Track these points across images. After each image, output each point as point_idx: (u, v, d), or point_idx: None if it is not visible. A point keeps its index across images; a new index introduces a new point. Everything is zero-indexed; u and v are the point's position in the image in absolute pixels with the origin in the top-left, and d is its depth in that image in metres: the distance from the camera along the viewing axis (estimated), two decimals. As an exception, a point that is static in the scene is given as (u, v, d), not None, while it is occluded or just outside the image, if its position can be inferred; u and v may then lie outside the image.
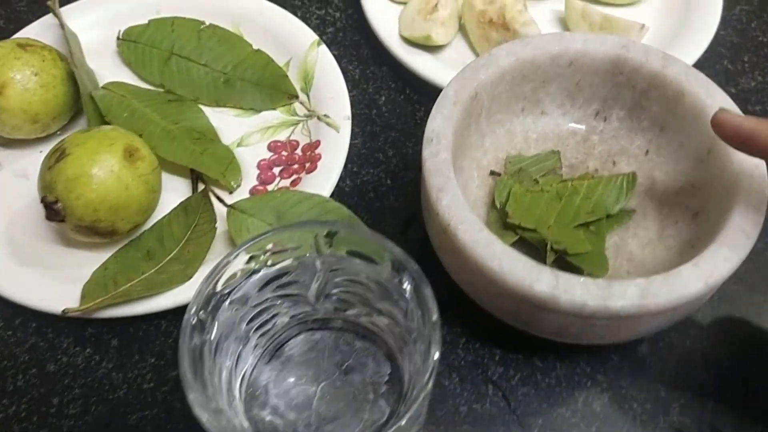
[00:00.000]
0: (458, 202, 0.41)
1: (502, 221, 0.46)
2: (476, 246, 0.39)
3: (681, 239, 0.45)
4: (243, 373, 0.42)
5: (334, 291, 0.42)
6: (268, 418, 0.42)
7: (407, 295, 0.37)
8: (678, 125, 0.47)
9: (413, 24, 0.58)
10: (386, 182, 0.55)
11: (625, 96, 0.49)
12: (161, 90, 0.58)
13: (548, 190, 0.47)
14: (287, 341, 0.45)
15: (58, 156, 0.46)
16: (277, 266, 0.40)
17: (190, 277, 0.48)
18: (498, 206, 0.47)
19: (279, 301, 0.42)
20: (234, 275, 0.38)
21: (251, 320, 0.41)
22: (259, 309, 0.41)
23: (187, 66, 0.58)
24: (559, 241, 0.43)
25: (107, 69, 0.59)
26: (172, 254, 0.49)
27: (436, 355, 0.33)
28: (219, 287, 0.37)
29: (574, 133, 0.51)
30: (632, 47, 0.47)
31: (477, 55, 0.60)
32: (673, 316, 0.40)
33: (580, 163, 0.50)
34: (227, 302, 0.38)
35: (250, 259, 0.38)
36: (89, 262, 0.49)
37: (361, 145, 0.56)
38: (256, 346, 0.43)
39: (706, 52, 0.58)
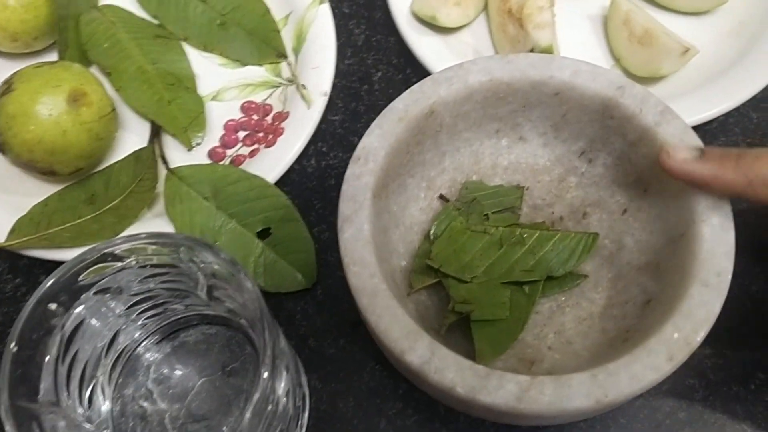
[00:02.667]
0: (361, 237, 0.37)
1: (427, 257, 0.41)
2: (361, 293, 0.36)
3: (621, 326, 0.39)
4: (122, 348, 0.41)
5: (222, 297, 0.40)
6: (139, 402, 0.42)
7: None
8: (661, 192, 0.40)
9: (426, -2, 0.52)
10: (352, 171, 0.51)
11: (615, 142, 0.42)
12: (154, 23, 0.55)
13: (491, 232, 0.41)
14: (186, 328, 0.44)
15: (5, 89, 0.45)
16: (161, 261, 0.38)
17: (118, 234, 0.47)
18: (431, 238, 0.42)
19: (167, 293, 0.40)
20: (103, 267, 0.36)
21: (133, 305, 0.40)
22: (141, 297, 0.40)
23: (185, 0, 0.55)
24: (471, 299, 0.39)
25: (112, -13, 0.57)
26: (112, 203, 0.48)
27: (265, 374, 0.31)
28: (81, 279, 0.36)
29: (551, 170, 0.44)
30: (629, 92, 0.40)
31: (494, 45, 0.53)
32: (563, 419, 0.35)
33: (546, 206, 0.44)
34: (91, 292, 0.37)
35: (121, 255, 0.36)
36: (40, 192, 0.49)
37: (340, 123, 0.52)
38: (144, 325, 0.42)
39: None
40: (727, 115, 0.48)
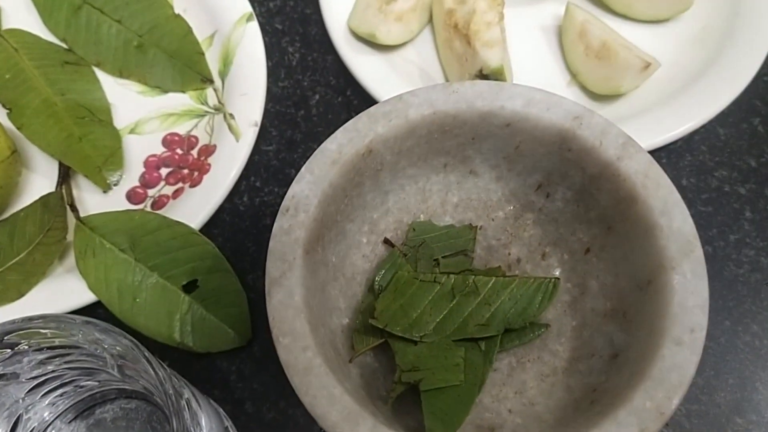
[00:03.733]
0: (291, 304, 0.32)
1: (372, 313, 0.37)
2: (293, 370, 0.31)
3: (588, 383, 0.35)
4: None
5: (135, 376, 0.35)
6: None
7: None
8: (626, 233, 0.36)
9: (365, 13, 0.47)
10: (289, 207, 0.46)
11: (574, 176, 0.38)
12: (63, 47, 0.49)
13: (442, 282, 0.37)
14: (102, 403, 0.39)
15: None
16: (61, 343, 0.33)
17: (23, 295, 0.42)
18: (376, 291, 0.38)
19: (74, 372, 0.35)
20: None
21: (35, 387, 0.35)
22: (44, 379, 0.34)
23: (98, 20, 0.49)
24: (421, 365, 0.34)
25: (17, 10, 0.51)
26: (18, 257, 0.42)
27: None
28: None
29: (506, 206, 0.40)
30: (587, 122, 0.36)
31: (441, 63, 0.48)
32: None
33: (502, 246, 0.40)
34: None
35: (9, 342, 0.31)
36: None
37: (274, 154, 0.47)
38: (53, 404, 0.37)
39: (736, 102, 0.45)
40: (693, 133, 0.45)
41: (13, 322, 0.30)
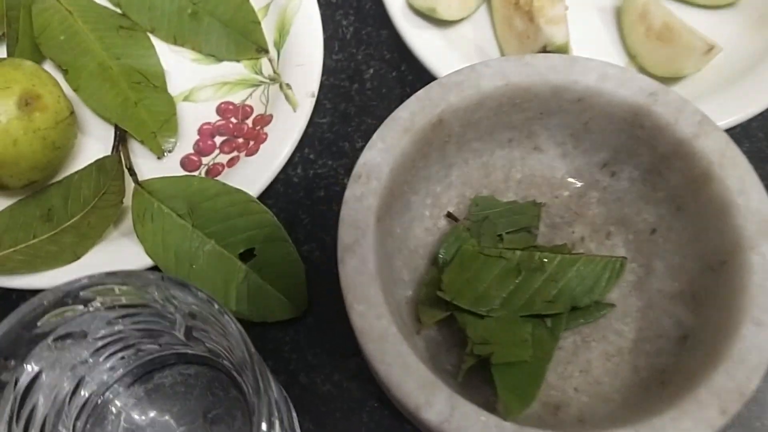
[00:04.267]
0: (365, 270, 0.32)
1: (436, 286, 0.36)
2: (367, 338, 0.31)
3: (655, 364, 0.35)
4: (88, 395, 0.36)
5: (202, 338, 0.34)
6: (108, 454, 0.36)
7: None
8: (697, 213, 0.35)
9: (424, -13, 0.46)
10: (343, 181, 0.45)
11: (643, 154, 0.37)
12: (117, 11, 0.49)
13: (508, 257, 0.37)
14: (161, 368, 0.38)
15: (-56, 91, 0.39)
16: (130, 302, 0.32)
17: (79, 257, 0.41)
18: (440, 264, 0.37)
19: (139, 333, 0.35)
20: (63, 312, 0.31)
21: (99, 349, 0.34)
22: (109, 340, 0.34)
23: (152, -14, 0.49)
24: (490, 338, 0.34)
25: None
26: (72, 220, 0.42)
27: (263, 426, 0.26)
28: (37, 327, 0.30)
29: (570, 184, 0.40)
30: (663, 99, 0.35)
31: (498, 40, 0.48)
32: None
33: (566, 224, 0.39)
34: (49, 339, 0.31)
35: (84, 297, 0.31)
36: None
37: (328, 126, 0.47)
38: (112, 368, 0.36)
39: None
40: (751, 119, 0.44)
41: (89, 277, 0.29)
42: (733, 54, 0.47)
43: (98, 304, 0.31)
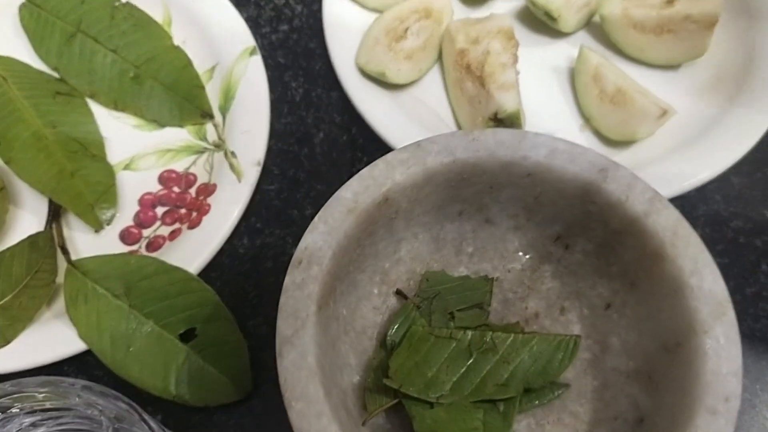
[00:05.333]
0: (304, 365, 0.30)
1: (384, 370, 0.35)
2: (306, 438, 0.29)
3: (612, 448, 0.34)
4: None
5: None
6: None
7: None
8: (651, 290, 0.34)
9: (373, 50, 0.45)
10: (291, 251, 0.44)
11: (596, 228, 0.36)
12: (54, 76, 0.47)
13: (458, 338, 0.35)
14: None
15: None
16: (54, 406, 0.30)
17: (9, 342, 0.39)
18: (388, 346, 0.36)
19: (65, 434, 0.33)
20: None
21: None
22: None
23: (92, 49, 0.47)
24: (439, 429, 0.32)
25: (6, 37, 0.49)
26: (3, 300, 0.40)
27: None
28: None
29: (522, 258, 0.39)
30: (613, 175, 0.34)
31: (450, 103, 0.47)
32: None
33: (519, 299, 0.38)
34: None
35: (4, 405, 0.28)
36: None
37: (276, 193, 0.45)
38: (40, 467, 0.34)
39: (751, 151, 0.44)
40: (707, 182, 0.44)
41: (4, 385, 0.27)
42: (687, 115, 0.46)
43: (17, 410, 0.29)
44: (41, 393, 0.28)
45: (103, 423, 0.31)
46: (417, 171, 0.35)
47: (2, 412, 0.28)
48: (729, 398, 0.30)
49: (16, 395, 0.28)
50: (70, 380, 0.27)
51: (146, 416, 0.27)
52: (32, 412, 0.30)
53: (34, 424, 0.31)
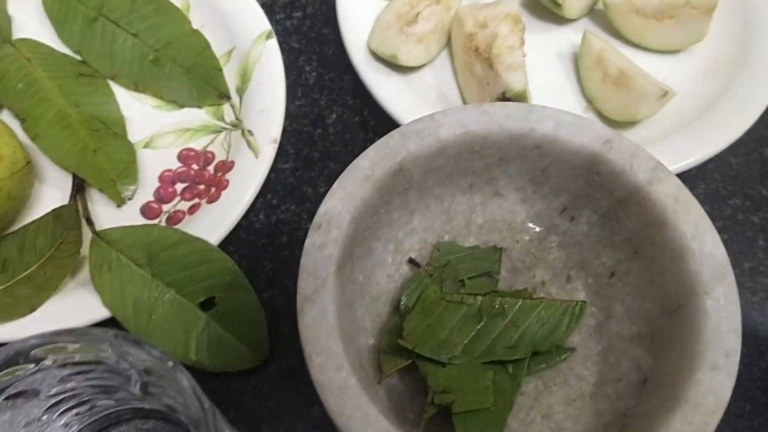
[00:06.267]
0: (324, 321, 0.32)
1: (398, 333, 0.36)
2: (326, 390, 0.30)
3: (617, 407, 0.35)
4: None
5: (159, 393, 0.34)
6: None
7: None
8: (653, 257, 0.36)
9: (385, 34, 0.47)
10: (306, 226, 0.45)
11: (601, 199, 0.38)
12: (77, 59, 0.49)
13: (469, 303, 0.37)
14: (117, 423, 0.37)
15: None
16: (84, 359, 0.32)
17: (34, 309, 0.40)
18: (402, 311, 0.37)
19: (93, 390, 0.34)
20: (14, 371, 0.30)
21: (52, 406, 0.33)
22: (62, 397, 0.33)
23: (113, 33, 0.49)
24: (451, 386, 0.34)
25: (29, 20, 0.51)
26: (28, 271, 0.41)
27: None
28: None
29: (530, 229, 0.40)
30: (617, 146, 0.36)
31: (459, 86, 0.49)
32: None
33: (527, 269, 0.40)
34: (0, 399, 0.30)
35: (35, 356, 0.30)
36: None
37: (291, 171, 0.47)
38: (67, 425, 0.35)
39: (748, 132, 0.45)
40: (707, 161, 0.45)
41: (41, 336, 0.29)
42: (687, 98, 0.48)
43: (50, 362, 0.30)
44: (73, 344, 0.29)
45: (132, 377, 0.32)
46: (430, 142, 0.36)
47: (36, 363, 0.30)
48: (729, 354, 0.31)
49: (49, 346, 0.29)
50: (103, 329, 0.28)
51: (178, 364, 0.28)
52: (64, 365, 0.31)
53: (63, 379, 0.32)
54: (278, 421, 0.40)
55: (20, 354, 0.29)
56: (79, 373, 0.32)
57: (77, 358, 0.31)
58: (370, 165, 0.35)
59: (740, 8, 0.50)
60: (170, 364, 0.28)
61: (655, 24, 0.48)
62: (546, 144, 0.37)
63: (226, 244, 0.43)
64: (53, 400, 0.33)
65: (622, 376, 0.36)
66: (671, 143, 0.45)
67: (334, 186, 0.35)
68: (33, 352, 0.29)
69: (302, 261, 0.33)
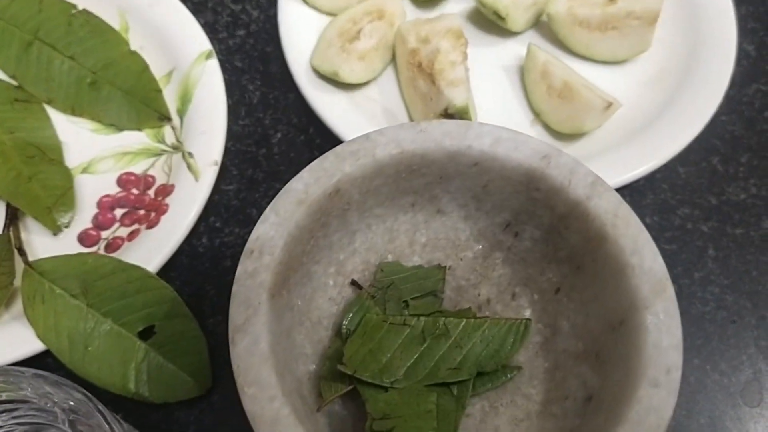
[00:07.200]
0: (256, 351, 0.31)
1: (340, 358, 0.35)
2: (259, 421, 0.30)
3: (563, 426, 0.35)
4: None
5: (88, 431, 0.32)
6: None
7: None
8: (596, 272, 0.36)
9: (327, 52, 0.46)
10: (250, 249, 0.44)
11: (542, 215, 0.37)
12: (13, 84, 0.47)
13: (412, 324, 0.36)
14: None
15: None
16: (8, 398, 0.30)
17: (-34, 344, 0.39)
18: (343, 335, 0.36)
19: (22, 429, 0.33)
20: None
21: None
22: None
23: (49, 56, 0.47)
24: (392, 412, 0.33)
25: (-37, 44, 0.49)
26: (-41, 304, 0.40)
27: None
28: None
29: (474, 246, 0.40)
30: (555, 162, 0.35)
31: (404, 101, 0.48)
32: None
33: (471, 286, 0.39)
34: None
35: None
36: None
37: (235, 193, 0.46)
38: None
39: (696, 141, 0.45)
40: (654, 171, 0.45)
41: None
42: (634, 108, 0.48)
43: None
44: (-6, 383, 0.28)
45: (59, 415, 0.31)
46: (366, 162, 0.35)
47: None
48: (670, 370, 0.31)
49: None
50: (21, 369, 0.27)
51: (100, 406, 0.27)
52: (-13, 405, 0.30)
53: (-12, 420, 0.31)
54: (222, 452, 0.39)
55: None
56: (4, 411, 0.31)
57: (3, 396, 0.30)
58: (305, 188, 0.34)
59: (684, 18, 0.50)
60: (91, 405, 0.27)
61: (599, 35, 0.48)
62: (484, 161, 0.36)
63: (167, 270, 0.42)
64: (-24, 444, 0.31)
65: (569, 394, 0.35)
66: (619, 154, 0.45)
67: (267, 210, 0.34)
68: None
69: (234, 289, 0.32)
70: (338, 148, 0.36)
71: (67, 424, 0.32)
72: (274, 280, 0.33)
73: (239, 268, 0.33)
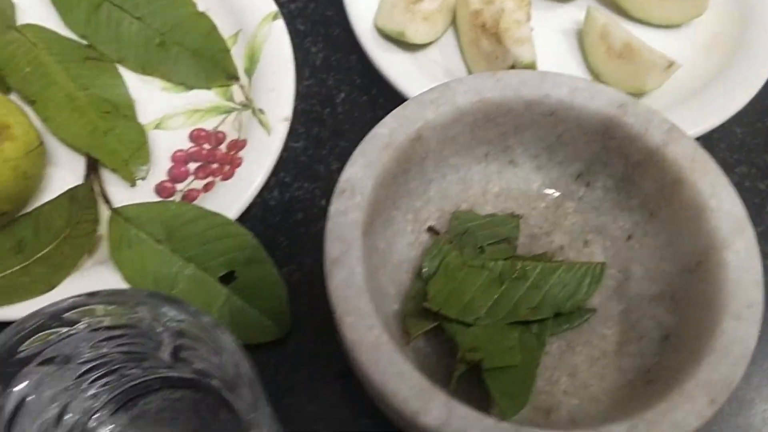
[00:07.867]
0: (353, 282, 0.32)
1: (422, 298, 0.36)
2: (359, 348, 0.31)
3: (640, 364, 0.36)
4: (72, 423, 0.35)
5: (190, 358, 0.34)
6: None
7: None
8: (671, 217, 0.37)
9: (392, 12, 0.47)
10: (320, 203, 0.46)
11: (616, 164, 0.38)
12: (83, 43, 0.49)
13: (490, 267, 0.37)
14: (145, 394, 0.37)
15: None
16: (115, 323, 0.31)
17: (53, 287, 0.40)
18: (424, 277, 0.38)
19: (122, 357, 0.34)
20: (47, 335, 0.30)
21: (83, 374, 0.33)
22: (93, 364, 0.33)
23: (118, 17, 0.49)
24: (479, 345, 0.34)
25: (32, 6, 0.50)
26: (45, 250, 0.41)
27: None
28: (20, 350, 0.29)
29: (546, 196, 0.41)
30: (632, 110, 0.36)
31: (466, 62, 0.49)
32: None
33: (544, 234, 0.40)
34: (33, 364, 0.30)
35: (68, 319, 0.30)
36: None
37: (302, 150, 0.47)
38: (95, 395, 0.35)
39: (752, 102, 0.46)
40: (712, 131, 0.46)
41: (74, 297, 0.29)
42: (690, 70, 0.49)
43: (82, 326, 0.30)
44: (107, 307, 0.29)
45: (164, 340, 0.32)
46: (447, 110, 0.37)
47: (70, 326, 0.30)
48: (752, 305, 0.32)
49: (83, 308, 0.29)
50: (138, 289, 0.29)
51: (216, 321, 0.28)
52: (96, 329, 0.31)
53: (94, 345, 0.32)
54: (301, 393, 0.40)
55: (52, 318, 0.29)
56: (110, 338, 0.32)
57: (108, 322, 0.31)
58: (389, 133, 0.36)
59: (738, -18, 0.51)
60: (208, 319, 0.28)
61: (656, -1, 0.49)
62: (561, 110, 0.37)
63: (241, 221, 0.43)
64: (84, 368, 0.33)
65: (644, 334, 0.37)
66: (677, 114, 0.46)
67: (355, 153, 0.35)
68: (65, 315, 0.29)
69: (327, 226, 0.33)
70: (418, 96, 0.37)
71: (169, 351, 0.33)
72: (364, 219, 0.34)
73: (332, 207, 0.34)
